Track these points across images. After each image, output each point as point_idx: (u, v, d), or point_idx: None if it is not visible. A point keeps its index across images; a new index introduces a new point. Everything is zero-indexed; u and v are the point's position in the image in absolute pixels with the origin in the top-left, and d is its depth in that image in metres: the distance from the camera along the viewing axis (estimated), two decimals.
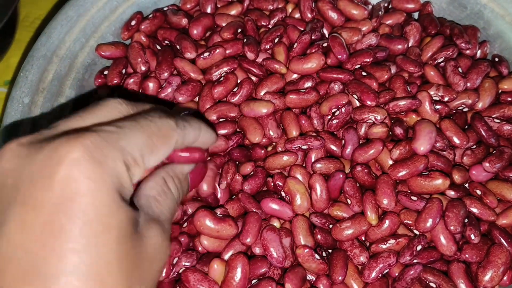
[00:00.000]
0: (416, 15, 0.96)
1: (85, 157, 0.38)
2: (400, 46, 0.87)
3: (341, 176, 0.76)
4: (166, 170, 0.52)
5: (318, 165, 0.77)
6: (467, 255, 0.71)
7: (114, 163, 0.40)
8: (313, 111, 0.82)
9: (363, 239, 0.76)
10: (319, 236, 0.73)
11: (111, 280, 0.37)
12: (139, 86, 0.83)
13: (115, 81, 0.82)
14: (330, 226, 0.75)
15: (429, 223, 0.70)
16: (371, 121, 0.79)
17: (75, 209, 0.36)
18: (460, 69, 0.83)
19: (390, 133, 0.80)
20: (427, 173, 0.75)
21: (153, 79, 0.83)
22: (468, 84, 0.83)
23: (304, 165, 0.80)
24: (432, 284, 0.70)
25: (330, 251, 0.74)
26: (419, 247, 0.70)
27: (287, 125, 0.80)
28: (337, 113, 0.80)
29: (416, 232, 0.73)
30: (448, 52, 0.85)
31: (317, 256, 0.71)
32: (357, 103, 0.81)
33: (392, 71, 0.84)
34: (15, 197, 0.37)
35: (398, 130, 0.77)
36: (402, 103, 0.78)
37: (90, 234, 0.36)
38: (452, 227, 0.70)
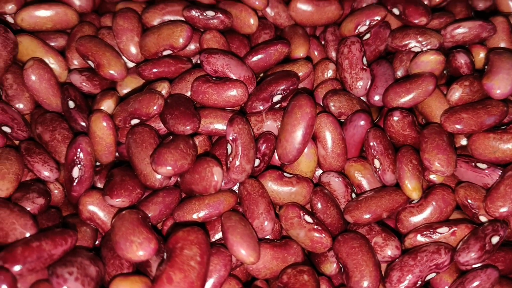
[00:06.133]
0: None
1: None
2: None
3: (362, 122, 0.48)
4: None
5: (331, 103, 0.49)
6: None
7: None
8: (329, 32, 0.56)
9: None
10: (319, 205, 0.46)
11: None
12: None
13: None
14: (353, 195, 0.50)
15: (511, 202, 0.44)
16: (418, 49, 0.52)
17: None
18: None
19: (444, 72, 0.52)
20: (504, 127, 0.48)
21: None
22: None
23: None
24: None
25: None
26: (495, 239, 0.42)
27: (290, 38, 0.55)
28: (366, 36, 0.53)
29: (483, 218, 0.47)
30: None
31: (307, 218, 0.45)
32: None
33: None
34: None
35: (462, 59, 0.51)
36: (465, 28, 0.53)
37: None
38: None
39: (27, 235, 0.41)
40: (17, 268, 0.37)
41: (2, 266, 0.36)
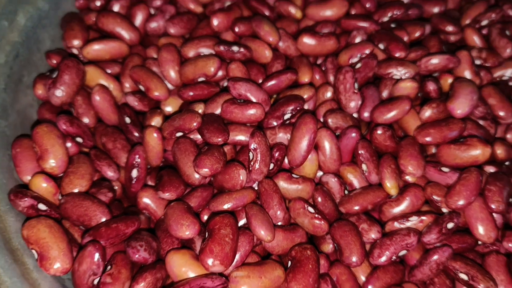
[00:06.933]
0: None
1: None
2: (436, 9, 0.74)
3: (353, 134, 0.60)
4: None
5: (330, 120, 0.62)
6: (510, 245, 0.55)
7: None
8: (329, 62, 0.68)
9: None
10: (319, 199, 0.58)
11: None
12: (126, 11, 0.70)
13: (98, 3, 0.69)
14: (346, 192, 0.60)
15: (464, 197, 0.55)
16: (398, 77, 0.64)
17: None
18: (507, 32, 0.69)
19: (419, 94, 0.65)
20: (462, 140, 0.59)
21: (143, 6, 0.70)
22: None
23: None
24: (462, 276, 0.53)
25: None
26: (450, 225, 0.54)
27: (297, 67, 0.66)
28: (358, 65, 0.66)
29: (445, 210, 0.57)
30: (493, 15, 0.71)
31: (310, 209, 0.56)
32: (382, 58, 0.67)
33: (426, 31, 0.71)
34: None
35: (431, 86, 0.63)
36: (436, 60, 0.65)
37: None
38: (494, 205, 0.55)
39: (103, 219, 0.53)
40: (102, 242, 0.50)
41: (94, 239, 0.50)
